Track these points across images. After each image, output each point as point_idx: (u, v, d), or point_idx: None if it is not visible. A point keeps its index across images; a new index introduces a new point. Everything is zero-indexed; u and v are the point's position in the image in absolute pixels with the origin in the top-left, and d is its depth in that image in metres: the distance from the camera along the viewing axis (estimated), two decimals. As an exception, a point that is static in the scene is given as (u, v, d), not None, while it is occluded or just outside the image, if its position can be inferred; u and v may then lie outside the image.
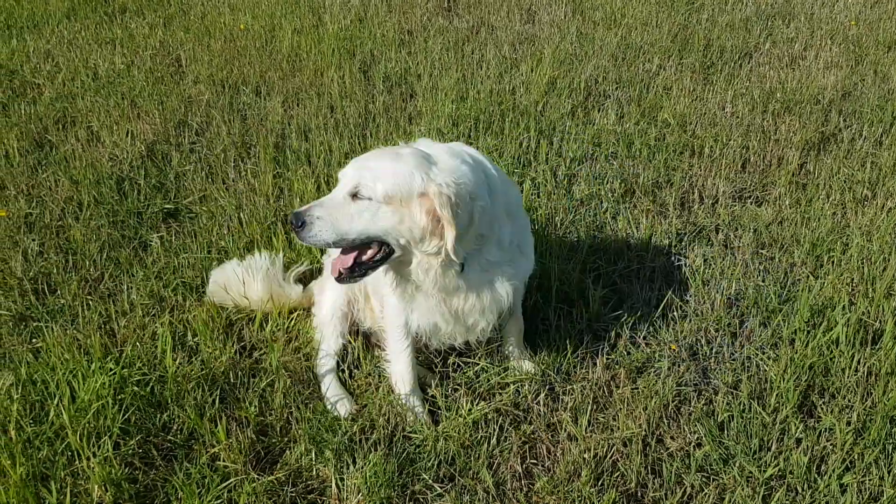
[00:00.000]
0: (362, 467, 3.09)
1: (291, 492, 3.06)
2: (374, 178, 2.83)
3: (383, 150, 3.03)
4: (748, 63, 7.23)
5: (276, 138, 5.75)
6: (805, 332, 3.80)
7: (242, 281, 3.99)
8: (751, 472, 3.14)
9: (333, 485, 3.05)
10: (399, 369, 3.50)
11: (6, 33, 8.40)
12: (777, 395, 3.46)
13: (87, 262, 4.45)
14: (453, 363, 3.71)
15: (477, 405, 3.43)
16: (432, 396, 3.53)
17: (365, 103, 6.32)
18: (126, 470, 3.10)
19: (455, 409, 3.43)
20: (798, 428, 3.31)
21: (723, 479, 3.14)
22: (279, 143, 5.69)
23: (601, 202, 4.95)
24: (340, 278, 3.07)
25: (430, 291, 3.14)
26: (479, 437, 3.30)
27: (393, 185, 2.82)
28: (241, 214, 4.79)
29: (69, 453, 3.14)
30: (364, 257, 3.02)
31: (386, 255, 2.99)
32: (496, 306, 3.25)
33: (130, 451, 3.18)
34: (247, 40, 7.74)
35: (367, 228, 2.89)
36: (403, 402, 3.46)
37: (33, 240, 4.66)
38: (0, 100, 6.67)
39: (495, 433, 3.30)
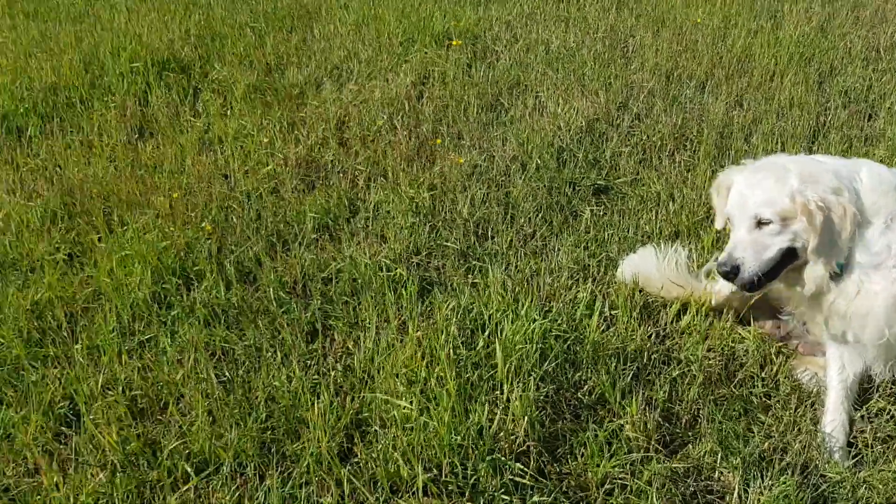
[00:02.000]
0: (771, 486, 2.95)
1: (692, 485, 3.04)
2: (765, 205, 3.16)
3: (752, 174, 3.28)
4: None
5: (716, 136, 5.64)
6: None
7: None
8: None
9: (736, 494, 2.96)
10: (827, 404, 3.38)
11: (476, 1, 9.31)
12: None
13: (523, 219, 4.80)
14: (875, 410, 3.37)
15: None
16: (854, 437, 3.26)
17: (816, 115, 5.91)
18: (538, 413, 3.31)
19: (883, 460, 3.12)
20: None
21: None
22: (719, 142, 5.58)
23: None
24: (753, 289, 3.33)
25: (806, 288, 3.27)
26: None
27: (780, 204, 3.14)
28: (672, 204, 4.80)
29: (491, 382, 3.44)
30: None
31: (787, 261, 3.25)
32: (871, 320, 3.15)
33: (543, 397, 3.38)
34: (697, 34, 7.67)
35: (781, 245, 3.19)
36: (822, 437, 3.25)
37: (479, 188, 5.14)
38: (466, 60, 7.42)
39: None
